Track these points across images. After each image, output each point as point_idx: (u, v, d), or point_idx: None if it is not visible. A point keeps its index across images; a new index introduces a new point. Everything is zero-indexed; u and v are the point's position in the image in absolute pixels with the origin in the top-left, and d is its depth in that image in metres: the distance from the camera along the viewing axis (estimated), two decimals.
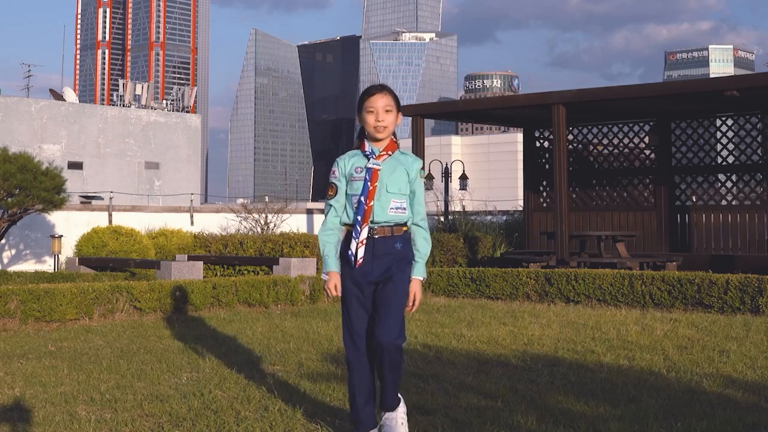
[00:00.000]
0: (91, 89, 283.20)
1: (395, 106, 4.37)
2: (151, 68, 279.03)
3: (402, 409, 4.45)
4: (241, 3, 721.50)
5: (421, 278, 4.38)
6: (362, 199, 4.27)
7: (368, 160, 4.33)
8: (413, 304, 4.38)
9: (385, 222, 4.31)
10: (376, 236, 4.31)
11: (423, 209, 4.46)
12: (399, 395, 4.46)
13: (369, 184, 4.27)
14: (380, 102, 4.33)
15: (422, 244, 4.41)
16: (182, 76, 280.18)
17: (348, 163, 4.39)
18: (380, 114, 4.32)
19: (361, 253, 4.28)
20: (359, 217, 4.27)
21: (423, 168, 4.47)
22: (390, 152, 4.36)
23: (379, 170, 4.30)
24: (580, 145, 17.17)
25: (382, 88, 4.39)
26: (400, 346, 4.33)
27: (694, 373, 6.26)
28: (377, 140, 4.37)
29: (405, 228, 4.39)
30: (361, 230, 4.27)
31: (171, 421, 4.91)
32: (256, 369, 6.57)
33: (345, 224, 4.38)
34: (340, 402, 5.34)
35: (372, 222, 4.29)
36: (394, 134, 4.46)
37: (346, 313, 4.42)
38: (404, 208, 4.35)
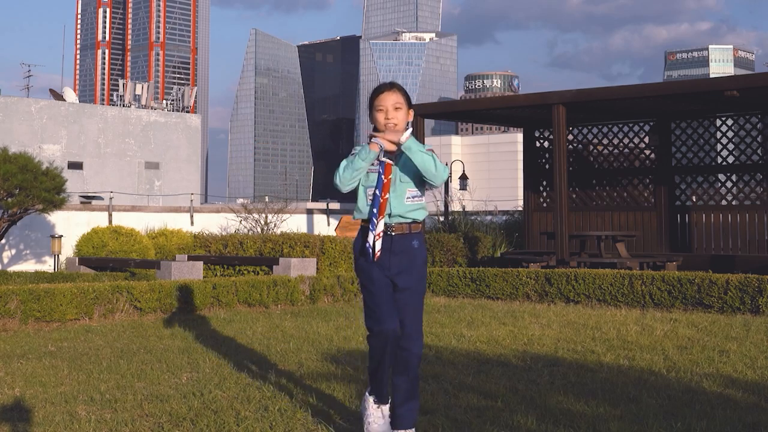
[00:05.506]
0: (91, 89, 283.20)
1: (405, 103, 4.36)
2: (151, 68, 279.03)
3: None
4: (242, 4, 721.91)
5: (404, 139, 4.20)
6: (377, 191, 4.26)
7: (382, 154, 4.32)
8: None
9: (403, 214, 4.31)
10: (394, 233, 4.31)
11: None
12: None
13: (383, 177, 4.26)
14: (389, 100, 4.32)
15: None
16: (182, 76, 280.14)
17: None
18: (390, 112, 4.32)
19: (378, 245, 4.26)
20: (375, 210, 4.26)
21: (432, 150, 4.36)
22: None
23: (392, 165, 4.30)
24: (580, 145, 17.17)
25: (391, 86, 4.37)
26: (420, 354, 4.37)
27: (694, 373, 6.26)
28: None
29: (421, 226, 4.39)
30: (377, 222, 4.26)
31: (171, 421, 4.92)
32: (256, 369, 6.57)
33: (360, 219, 4.37)
34: (340, 401, 5.34)
35: (390, 216, 4.29)
36: (406, 129, 4.44)
37: (368, 290, 4.30)
38: (420, 197, 4.36)
